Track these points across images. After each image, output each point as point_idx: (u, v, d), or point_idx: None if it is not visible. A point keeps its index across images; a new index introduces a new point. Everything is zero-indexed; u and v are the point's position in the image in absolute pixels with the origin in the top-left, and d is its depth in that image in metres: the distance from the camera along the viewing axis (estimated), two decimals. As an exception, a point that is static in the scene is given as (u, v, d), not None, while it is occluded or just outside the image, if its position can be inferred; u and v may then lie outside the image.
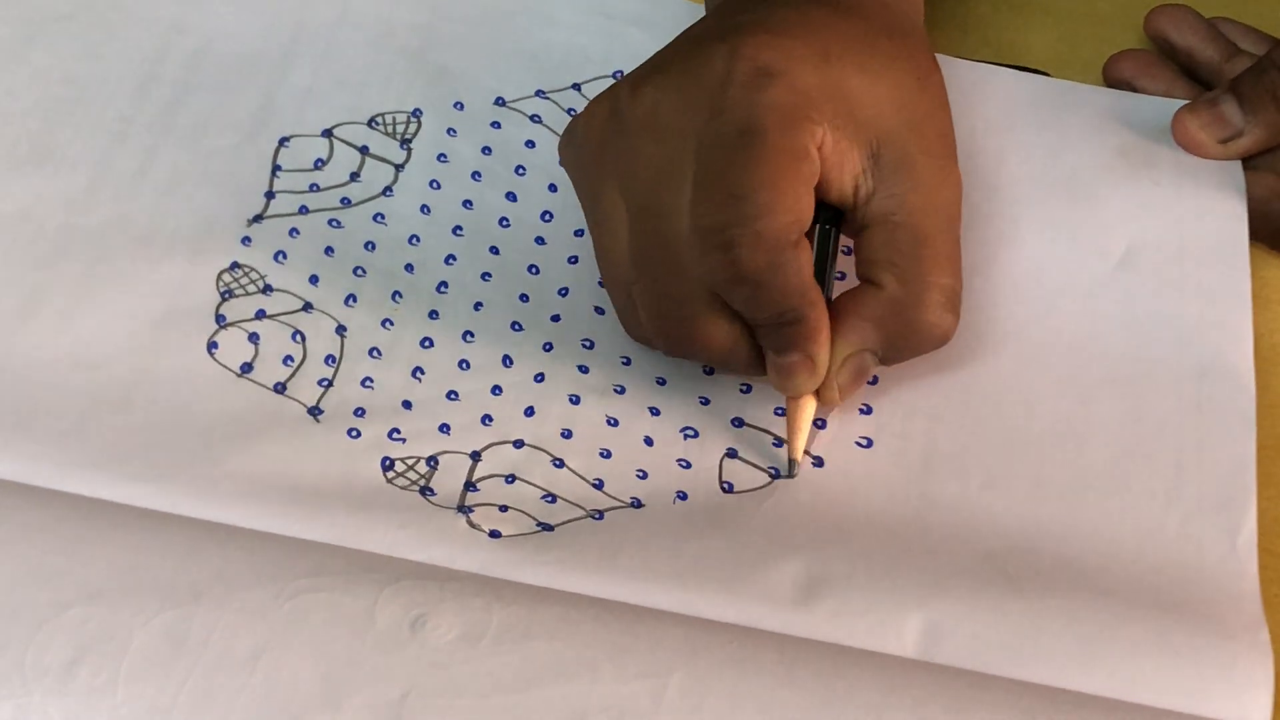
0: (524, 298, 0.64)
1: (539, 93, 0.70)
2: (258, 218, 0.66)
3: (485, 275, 0.65)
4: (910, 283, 0.58)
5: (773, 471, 0.61)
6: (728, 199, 0.56)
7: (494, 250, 0.66)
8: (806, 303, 0.57)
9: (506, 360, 0.63)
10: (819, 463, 0.61)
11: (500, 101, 0.70)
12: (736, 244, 0.55)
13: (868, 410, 0.62)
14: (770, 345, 0.58)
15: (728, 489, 0.60)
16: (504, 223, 0.67)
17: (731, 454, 0.61)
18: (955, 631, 0.55)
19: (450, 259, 0.65)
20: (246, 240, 0.65)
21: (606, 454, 0.61)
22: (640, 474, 0.60)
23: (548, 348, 0.63)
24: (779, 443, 0.61)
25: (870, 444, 0.61)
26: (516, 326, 0.64)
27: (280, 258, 0.65)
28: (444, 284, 0.65)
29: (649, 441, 0.61)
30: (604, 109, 0.59)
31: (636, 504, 0.60)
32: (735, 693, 0.53)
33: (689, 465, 0.61)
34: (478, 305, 0.64)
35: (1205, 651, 0.55)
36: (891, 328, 0.59)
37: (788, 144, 0.56)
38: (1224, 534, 0.59)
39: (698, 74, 0.57)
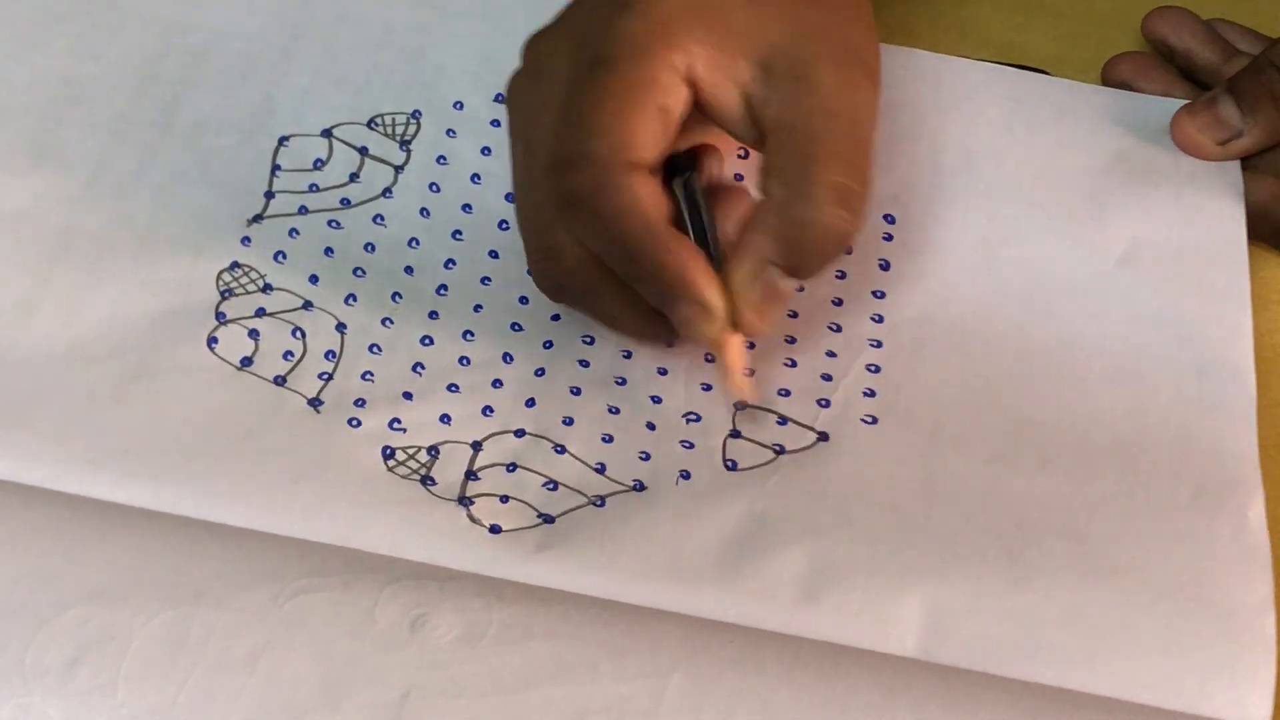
0: (523, 300, 0.65)
1: (539, 90, 0.70)
2: (257, 217, 0.66)
3: (485, 280, 0.65)
4: (796, 183, 0.56)
5: (777, 448, 0.61)
6: (570, 127, 0.56)
7: (493, 254, 0.66)
8: (659, 245, 0.56)
9: (507, 357, 0.63)
10: (824, 438, 0.61)
11: (500, 99, 0.70)
12: (567, 163, 0.56)
13: (871, 393, 0.62)
14: (657, 304, 0.58)
15: (731, 467, 0.60)
16: (503, 226, 0.67)
17: (735, 434, 0.61)
18: (956, 631, 0.56)
19: (450, 263, 0.65)
20: (246, 240, 0.65)
21: (609, 439, 0.61)
22: (643, 455, 0.60)
23: (548, 345, 0.63)
24: (783, 421, 0.61)
25: (875, 421, 0.61)
26: (516, 326, 0.64)
27: (280, 257, 0.65)
28: (443, 286, 0.65)
29: (651, 426, 0.61)
30: (515, 73, 0.60)
31: (639, 487, 0.60)
32: (735, 692, 0.53)
33: (692, 446, 0.61)
34: (477, 307, 0.64)
35: (1206, 650, 0.55)
36: (783, 233, 0.57)
37: (636, 72, 0.56)
38: (1231, 521, 0.59)
39: (577, 16, 0.58)
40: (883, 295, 0.65)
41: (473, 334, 0.63)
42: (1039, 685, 0.54)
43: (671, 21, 0.57)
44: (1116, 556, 0.57)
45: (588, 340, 0.63)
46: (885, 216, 0.67)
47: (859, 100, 0.58)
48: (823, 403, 0.62)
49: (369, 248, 0.66)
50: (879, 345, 0.63)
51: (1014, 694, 0.54)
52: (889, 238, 0.66)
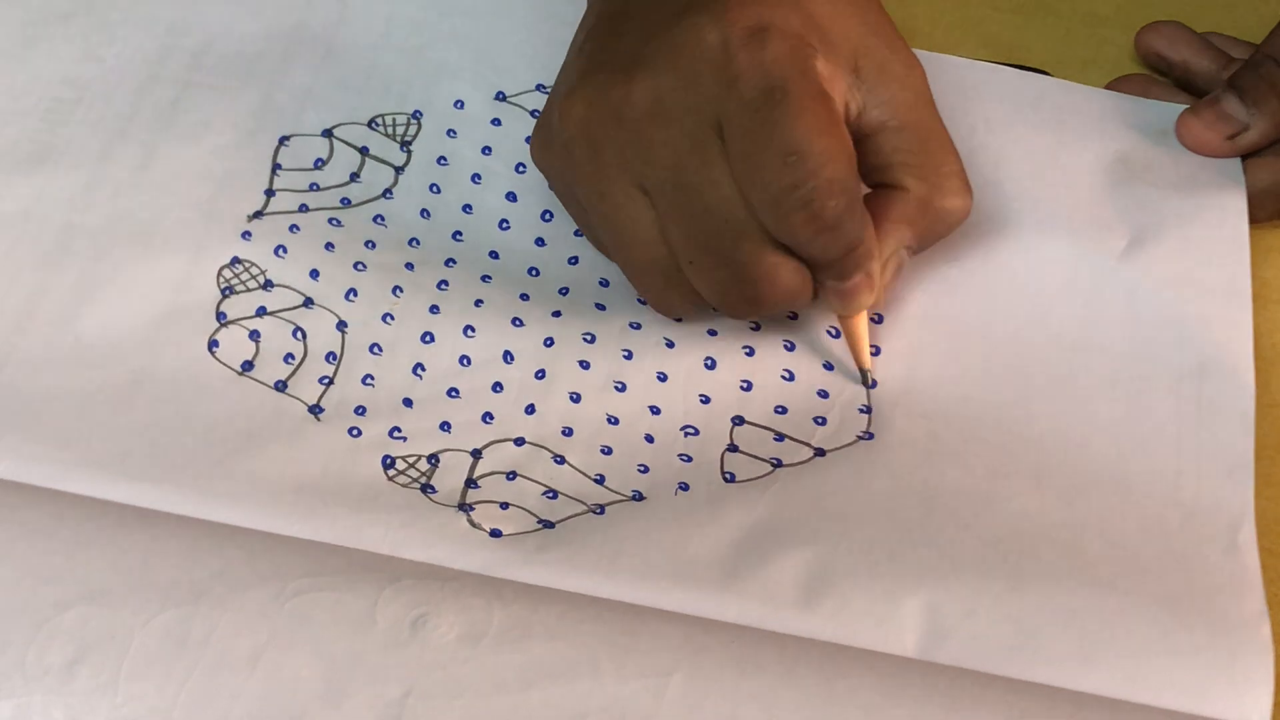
0: (524, 296, 0.65)
1: (539, 87, 0.70)
2: (258, 214, 0.66)
3: (485, 278, 0.65)
4: (928, 177, 0.61)
5: (774, 462, 0.61)
6: (785, 158, 0.56)
7: (494, 255, 0.66)
8: (866, 228, 0.59)
9: (507, 356, 0.63)
10: (821, 453, 0.61)
11: (501, 96, 0.70)
12: (814, 198, 0.56)
13: (867, 409, 0.62)
14: (833, 275, 0.59)
15: (729, 479, 0.60)
16: (504, 225, 0.67)
17: (732, 449, 0.61)
18: (956, 631, 0.56)
19: (450, 263, 0.65)
20: (247, 235, 0.65)
21: (607, 450, 0.61)
22: (641, 468, 0.60)
23: (549, 343, 0.63)
24: (780, 438, 0.61)
25: (871, 437, 0.61)
26: (517, 322, 0.64)
27: (281, 252, 0.65)
28: (444, 282, 0.65)
29: (650, 439, 0.61)
30: (584, 105, 0.59)
31: (638, 497, 0.60)
32: (736, 692, 0.53)
33: (690, 459, 0.61)
34: (478, 302, 0.64)
35: (1205, 650, 0.55)
36: (921, 223, 0.61)
37: (810, 89, 0.56)
38: (1224, 531, 0.59)
39: (693, 50, 0.57)
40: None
41: (473, 330, 0.64)
42: (1038, 685, 0.54)
43: (801, 37, 0.57)
44: (1111, 572, 0.57)
45: (588, 338, 0.63)
46: None
47: (923, 78, 0.61)
48: (819, 421, 0.62)
49: (369, 245, 0.66)
50: (877, 353, 0.63)
51: (1014, 694, 0.54)
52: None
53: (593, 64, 0.60)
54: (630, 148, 0.58)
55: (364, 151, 0.68)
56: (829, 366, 0.63)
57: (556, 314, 0.64)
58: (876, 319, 0.64)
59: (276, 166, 0.67)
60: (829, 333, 0.64)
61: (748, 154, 0.56)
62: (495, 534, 0.58)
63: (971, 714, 0.53)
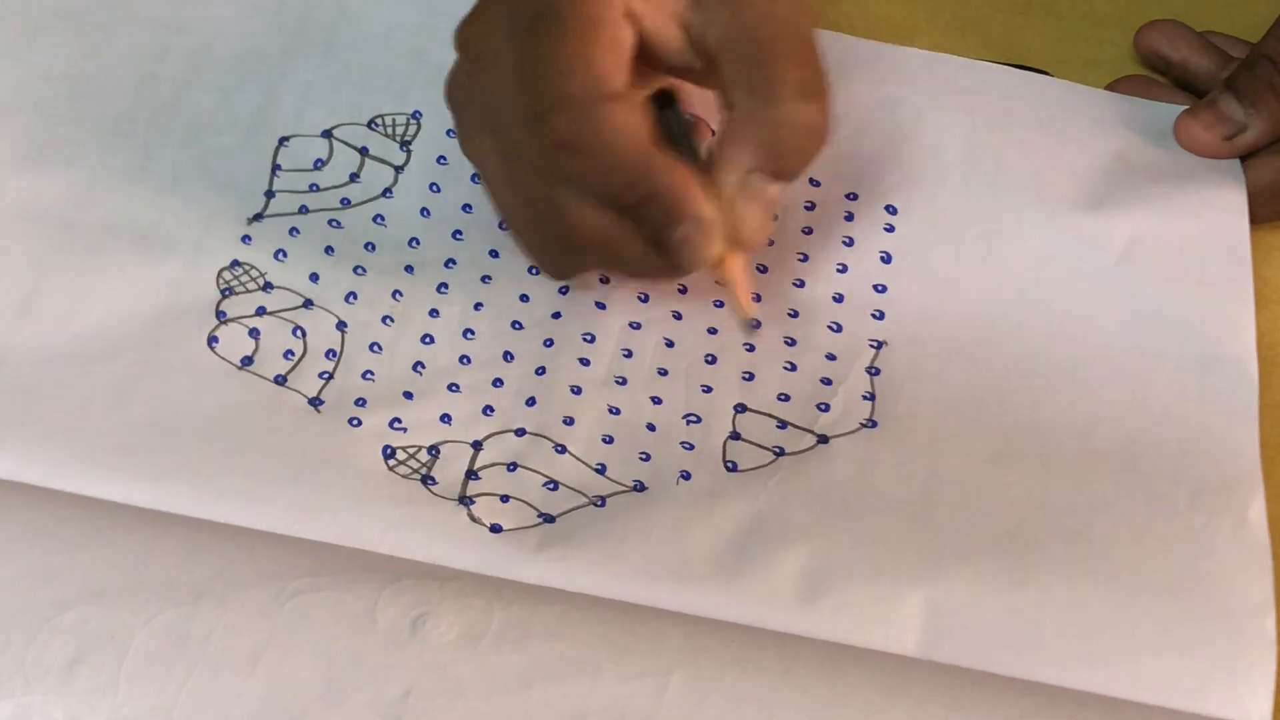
0: (524, 298, 0.65)
1: (538, 90, 0.70)
2: (258, 216, 0.66)
3: (485, 278, 0.65)
4: (759, 87, 0.57)
5: (777, 450, 0.61)
6: (533, 77, 0.56)
7: (494, 254, 0.66)
8: (653, 170, 0.56)
9: (508, 356, 0.63)
10: (824, 440, 0.61)
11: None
12: (545, 111, 0.55)
13: (870, 396, 0.62)
14: (652, 232, 0.58)
15: (731, 468, 0.60)
16: (503, 225, 0.67)
17: (734, 436, 0.61)
18: (956, 630, 0.56)
19: (450, 263, 0.65)
20: (246, 238, 0.65)
21: (609, 439, 0.61)
22: (643, 456, 0.61)
23: (548, 343, 0.63)
24: (782, 425, 0.61)
25: (875, 424, 0.62)
26: (517, 325, 0.64)
27: (280, 256, 0.65)
28: (444, 285, 0.65)
29: (651, 427, 0.61)
30: (450, 78, 0.60)
31: (639, 487, 0.60)
32: (736, 692, 0.53)
33: (692, 447, 0.61)
34: (478, 305, 0.64)
35: (1206, 649, 0.55)
36: (760, 138, 0.57)
37: (582, 13, 0.56)
38: (1231, 520, 0.59)
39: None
40: (884, 290, 0.65)
41: (473, 332, 0.64)
42: (1039, 684, 0.54)
43: None
44: (1116, 557, 0.58)
45: (588, 338, 0.63)
46: (887, 207, 0.67)
47: (792, 8, 0.58)
48: (822, 407, 0.62)
49: (369, 247, 0.66)
50: (879, 345, 0.63)
51: (1014, 693, 0.54)
52: (891, 229, 0.67)
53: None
54: (472, 94, 0.59)
55: (364, 152, 0.68)
56: (831, 357, 0.63)
57: (556, 315, 0.64)
58: (877, 315, 0.64)
59: (276, 167, 0.67)
60: (830, 328, 0.64)
61: (516, 79, 0.56)
62: (495, 529, 0.58)
63: (972, 713, 0.53)
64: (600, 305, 0.64)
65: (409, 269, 0.65)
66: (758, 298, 0.62)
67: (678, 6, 0.58)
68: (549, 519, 0.58)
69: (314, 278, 0.64)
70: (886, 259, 0.66)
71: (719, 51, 0.58)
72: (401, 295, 0.64)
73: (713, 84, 0.59)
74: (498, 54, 0.57)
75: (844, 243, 0.66)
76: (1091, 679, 0.55)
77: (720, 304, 0.64)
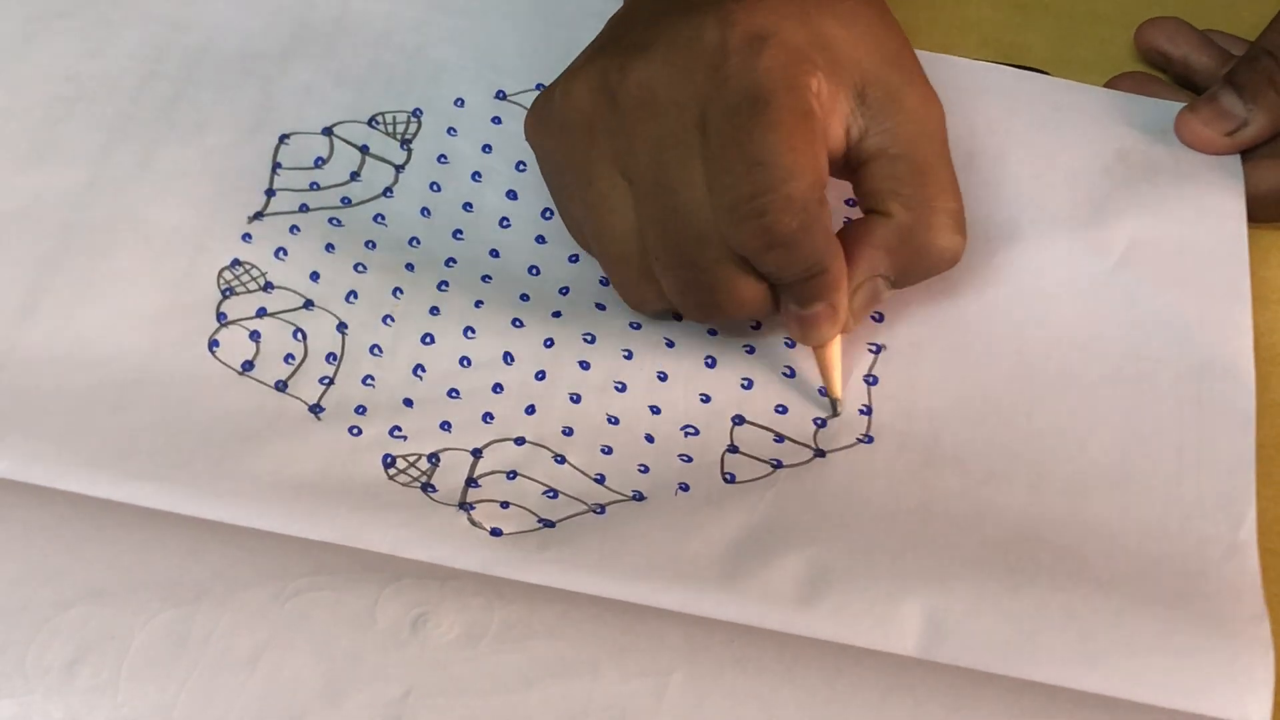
0: (524, 297, 0.65)
1: (539, 86, 0.70)
2: (258, 215, 0.66)
3: (485, 278, 0.65)
4: (917, 209, 0.59)
5: (775, 463, 0.61)
6: (751, 167, 0.56)
7: (494, 254, 0.66)
8: (830, 255, 0.58)
9: (508, 357, 0.63)
10: (821, 454, 0.61)
11: (501, 95, 0.70)
12: (769, 210, 0.56)
13: (867, 410, 0.62)
14: (794, 299, 0.59)
15: (730, 480, 0.60)
16: (504, 223, 0.67)
17: (733, 449, 0.61)
18: (956, 630, 0.56)
19: (450, 262, 0.65)
20: (247, 237, 0.65)
21: (608, 450, 0.61)
22: (642, 468, 0.61)
23: (548, 344, 0.63)
24: (780, 439, 0.61)
25: (871, 440, 0.61)
26: (517, 323, 0.64)
27: (281, 254, 0.65)
28: (444, 283, 0.65)
29: (650, 439, 0.61)
30: (586, 87, 0.59)
31: (638, 497, 0.60)
32: (736, 692, 0.53)
33: (690, 459, 0.61)
34: (478, 303, 0.64)
35: (1206, 649, 0.55)
36: (902, 254, 0.60)
37: (795, 104, 0.56)
38: (1225, 530, 0.59)
39: (691, 46, 0.57)
40: (879, 318, 0.64)
41: (474, 331, 0.64)
42: (1039, 685, 0.54)
43: (804, 54, 0.57)
44: (1111, 572, 0.58)
45: (589, 339, 0.63)
46: None
47: (939, 116, 0.61)
48: (819, 422, 0.62)
49: (370, 245, 0.66)
50: (878, 350, 0.63)
51: (1014, 694, 0.54)
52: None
53: (600, 48, 0.60)
54: (620, 135, 0.58)
55: (364, 150, 0.68)
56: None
57: (557, 314, 0.64)
58: (877, 317, 0.64)
59: (276, 165, 0.67)
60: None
61: (719, 157, 0.56)
62: (495, 533, 0.58)
63: (972, 713, 0.53)
64: (600, 306, 0.64)
65: (409, 267, 0.65)
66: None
67: (845, 106, 0.59)
68: (549, 524, 0.58)
69: (314, 276, 0.64)
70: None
71: (876, 157, 0.60)
72: (402, 293, 0.64)
73: (843, 178, 0.61)
74: (681, 113, 0.57)
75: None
76: (1091, 679, 0.55)
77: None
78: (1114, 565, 0.58)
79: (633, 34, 0.59)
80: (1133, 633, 0.56)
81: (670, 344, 0.63)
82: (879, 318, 0.64)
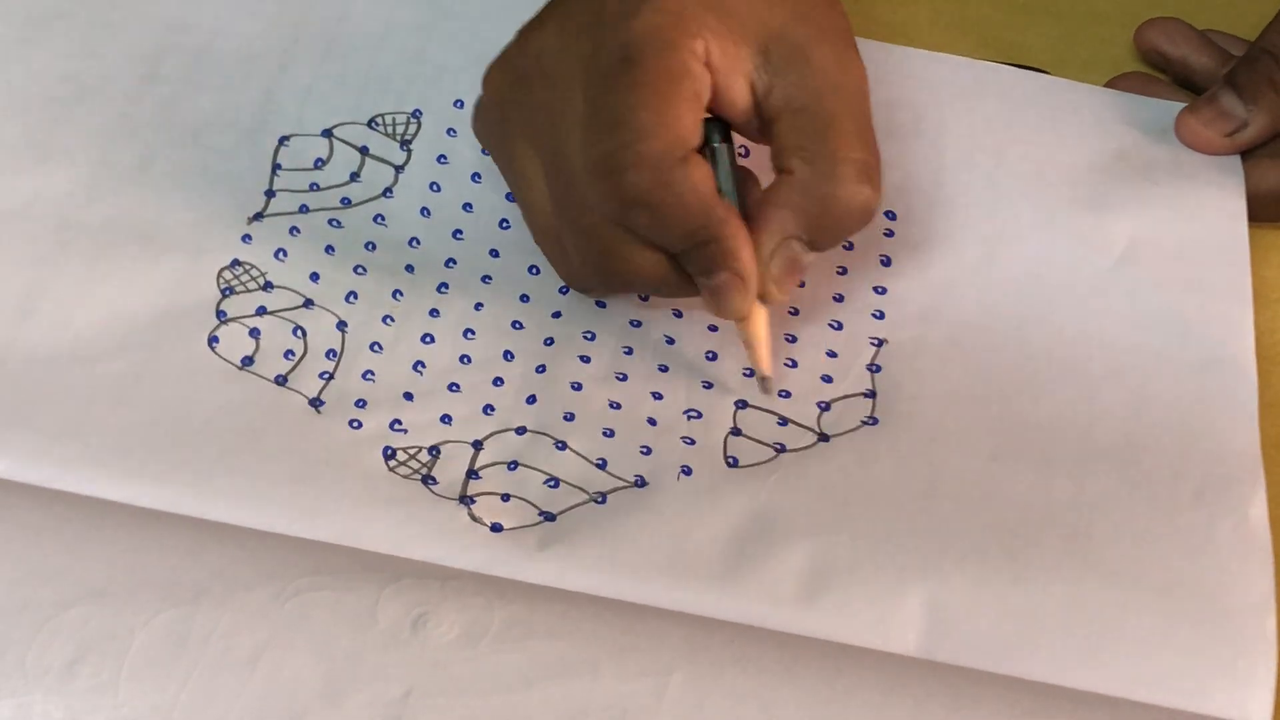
0: (524, 298, 0.65)
1: (538, 87, 0.70)
2: (258, 215, 0.66)
3: (485, 278, 0.65)
4: (819, 161, 0.58)
5: (778, 447, 0.61)
6: (609, 126, 0.56)
7: (494, 253, 0.66)
8: (714, 220, 0.57)
9: (508, 355, 0.63)
10: (824, 438, 0.61)
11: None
12: (620, 168, 0.56)
13: (871, 394, 0.62)
14: (694, 271, 0.58)
15: (732, 463, 0.60)
16: (504, 224, 0.67)
17: (736, 432, 0.61)
18: (956, 629, 0.56)
19: (450, 262, 0.65)
20: (247, 238, 0.65)
21: (609, 434, 0.61)
22: (644, 451, 0.61)
23: (549, 342, 0.63)
24: (784, 422, 0.61)
25: (876, 422, 0.62)
26: (517, 324, 0.64)
27: (281, 255, 0.65)
28: (444, 285, 0.65)
29: (652, 422, 0.61)
30: (497, 70, 0.60)
31: (640, 482, 0.60)
32: (736, 691, 0.53)
33: (693, 442, 0.61)
34: (478, 305, 0.64)
35: (1207, 648, 0.55)
36: (809, 210, 0.58)
37: (664, 65, 0.56)
38: (1232, 518, 0.59)
39: (574, 12, 0.58)
40: (884, 291, 0.65)
41: (473, 332, 0.64)
42: (1039, 684, 0.54)
43: (687, 12, 0.57)
44: (1117, 555, 0.58)
45: (589, 336, 0.63)
46: (887, 213, 0.67)
47: (857, 75, 0.59)
48: (823, 405, 0.62)
49: (370, 246, 0.66)
50: (880, 344, 0.63)
51: (1015, 693, 0.54)
52: (890, 234, 0.67)
53: (517, 33, 0.61)
54: (523, 110, 0.59)
55: (364, 151, 0.68)
56: (832, 354, 0.63)
57: (556, 314, 0.64)
58: (878, 315, 0.64)
59: (276, 167, 0.67)
60: (831, 325, 0.64)
61: (588, 117, 0.56)
62: (496, 528, 0.58)
63: (972, 712, 0.53)
64: (600, 304, 0.64)
65: (409, 268, 0.65)
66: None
67: (748, 64, 0.58)
68: (549, 517, 0.58)
69: (314, 277, 0.64)
70: (886, 262, 0.66)
71: (781, 114, 0.58)
72: (402, 295, 0.64)
73: (763, 141, 0.60)
74: (568, 79, 0.57)
75: (844, 246, 0.66)
76: (1092, 678, 0.55)
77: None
78: (1116, 561, 0.58)
79: (542, 9, 0.60)
80: (1134, 631, 0.56)
81: (670, 340, 0.63)
82: (880, 315, 0.64)
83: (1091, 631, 0.56)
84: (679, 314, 0.64)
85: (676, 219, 0.57)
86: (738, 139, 0.61)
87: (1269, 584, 0.57)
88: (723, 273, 0.58)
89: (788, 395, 0.62)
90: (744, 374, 0.63)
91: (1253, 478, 0.60)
